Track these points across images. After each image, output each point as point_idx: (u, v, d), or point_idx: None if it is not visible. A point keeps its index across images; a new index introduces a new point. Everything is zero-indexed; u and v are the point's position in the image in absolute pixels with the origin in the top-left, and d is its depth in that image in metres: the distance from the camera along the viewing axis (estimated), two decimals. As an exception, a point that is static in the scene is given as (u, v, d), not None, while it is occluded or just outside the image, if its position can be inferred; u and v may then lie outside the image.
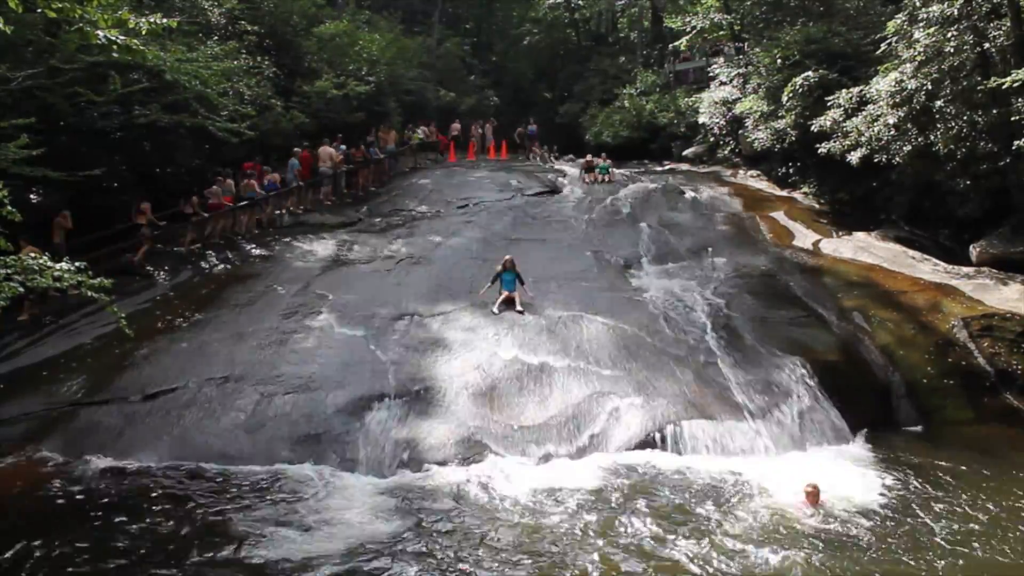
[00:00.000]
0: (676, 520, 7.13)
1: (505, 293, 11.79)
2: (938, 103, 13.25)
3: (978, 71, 12.95)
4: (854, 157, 14.86)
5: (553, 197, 19.51)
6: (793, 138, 18.03)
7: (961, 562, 6.43)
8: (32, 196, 13.14)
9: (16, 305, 10.09)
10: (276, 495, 7.74)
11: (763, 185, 20.61)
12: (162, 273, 13.96)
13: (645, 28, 35.06)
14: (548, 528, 6.99)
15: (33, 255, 7.85)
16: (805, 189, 18.96)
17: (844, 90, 15.63)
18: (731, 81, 22.81)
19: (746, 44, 23.27)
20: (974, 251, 13.70)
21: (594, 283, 13.10)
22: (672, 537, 6.76)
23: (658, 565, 6.32)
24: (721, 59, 25.96)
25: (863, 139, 14.62)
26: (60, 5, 6.33)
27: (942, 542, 6.75)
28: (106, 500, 7.52)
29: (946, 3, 12.81)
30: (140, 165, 14.83)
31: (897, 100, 13.81)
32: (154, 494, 7.68)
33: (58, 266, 7.31)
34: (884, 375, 10.61)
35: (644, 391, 9.68)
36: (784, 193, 19.44)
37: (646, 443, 8.90)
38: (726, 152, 23.85)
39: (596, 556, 6.47)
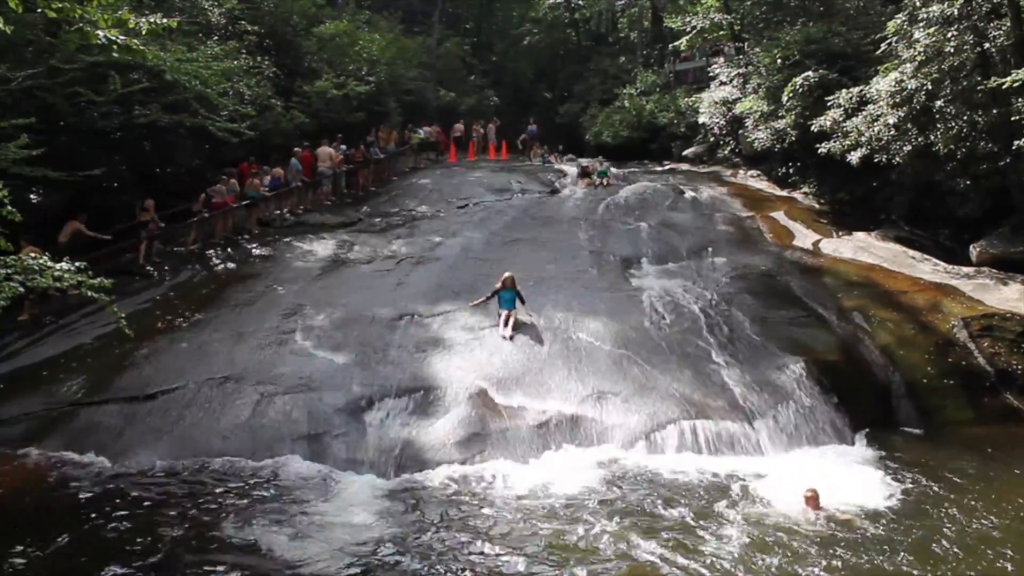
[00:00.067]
0: (676, 522, 7.10)
1: (504, 312, 11.09)
2: (938, 103, 13.25)
3: (978, 71, 12.95)
4: (854, 157, 14.86)
5: (553, 197, 19.53)
6: (793, 138, 18.03)
7: (967, 568, 6.33)
8: (32, 196, 13.14)
9: (16, 305, 10.09)
10: (275, 495, 7.73)
11: (763, 185, 20.62)
12: (162, 273, 13.96)
13: (645, 28, 35.07)
14: (547, 530, 6.97)
15: (33, 255, 7.85)
16: (805, 189, 18.97)
17: (844, 90, 15.63)
18: (731, 81, 22.80)
19: (746, 44, 23.27)
20: (974, 251, 13.71)
21: (594, 283, 13.10)
22: (672, 540, 6.72)
23: (658, 570, 6.29)
24: (721, 59, 25.95)
25: (863, 139, 14.62)
26: (60, 5, 6.33)
27: (948, 547, 6.67)
28: (105, 500, 7.51)
29: (946, 3, 12.81)
30: (140, 165, 14.83)
31: (897, 100, 13.82)
32: (154, 494, 7.67)
33: (58, 266, 7.31)
34: (884, 375, 10.60)
35: (644, 391, 9.67)
36: (784, 193, 19.45)
37: (646, 443, 8.89)
38: (726, 152, 23.86)
39: (596, 558, 6.46)
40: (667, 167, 24.74)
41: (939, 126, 13.28)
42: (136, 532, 6.86)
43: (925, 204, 15.50)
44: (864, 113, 14.69)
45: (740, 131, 21.87)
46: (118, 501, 7.49)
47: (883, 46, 15.00)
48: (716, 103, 23.08)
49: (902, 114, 13.79)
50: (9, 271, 7.05)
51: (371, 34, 26.23)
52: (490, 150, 28.06)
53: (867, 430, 9.58)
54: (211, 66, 15.62)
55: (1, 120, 11.18)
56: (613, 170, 22.06)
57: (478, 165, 24.34)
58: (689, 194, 18.95)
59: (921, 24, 13.36)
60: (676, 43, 28.13)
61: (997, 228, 13.67)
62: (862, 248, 14.60)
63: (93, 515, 7.18)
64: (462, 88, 33.12)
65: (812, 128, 16.16)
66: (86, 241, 12.90)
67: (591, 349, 10.61)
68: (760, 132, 19.36)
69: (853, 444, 9.30)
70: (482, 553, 6.55)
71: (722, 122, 23.25)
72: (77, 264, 7.61)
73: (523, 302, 11.37)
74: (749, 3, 23.01)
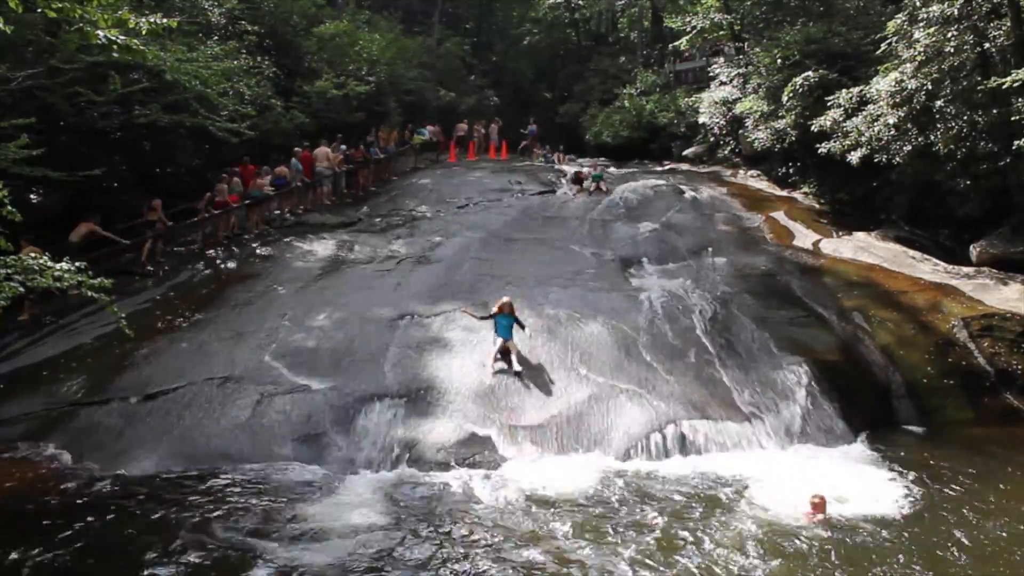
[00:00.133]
0: (677, 525, 7.04)
1: (500, 341, 10.24)
2: (938, 103, 13.26)
3: (978, 71, 12.95)
4: (854, 157, 14.86)
5: (554, 197, 19.51)
6: (793, 138, 18.03)
7: (976, 574, 6.26)
8: (32, 196, 13.15)
9: (16, 305, 10.07)
10: (275, 495, 7.72)
11: (763, 185, 20.62)
12: (162, 273, 13.96)
13: (645, 28, 35.08)
14: (547, 531, 6.96)
15: (33, 255, 7.84)
16: (805, 189, 18.97)
17: (844, 90, 15.63)
18: (731, 81, 22.81)
19: (746, 44, 23.27)
20: (974, 251, 13.71)
21: (594, 283, 13.09)
22: (673, 544, 6.67)
23: (661, 574, 6.27)
24: (721, 59, 25.96)
25: (863, 139, 14.62)
26: (60, 5, 6.32)
27: (955, 552, 6.59)
28: (105, 501, 7.50)
29: (946, 3, 12.81)
30: (140, 165, 14.84)
31: (897, 100, 13.82)
32: (154, 495, 7.66)
33: (58, 266, 7.31)
34: (884, 375, 10.60)
35: (644, 391, 9.67)
36: (784, 193, 19.45)
37: (646, 444, 8.87)
38: (726, 152, 23.86)
39: (595, 560, 6.44)
40: (667, 167, 24.73)
41: (939, 126, 13.28)
42: (135, 533, 6.86)
43: (925, 204, 15.50)
44: (864, 113, 14.69)
45: (740, 131, 21.87)
46: (117, 502, 7.48)
47: (883, 46, 15.01)
48: (716, 103, 23.08)
49: (902, 114, 13.79)
50: (9, 271, 7.04)
51: (371, 34, 26.24)
52: (491, 150, 28.05)
53: (868, 430, 9.57)
54: (211, 66, 15.63)
55: (1, 120, 11.18)
56: (612, 169, 22.01)
57: (478, 165, 24.34)
58: (689, 194, 18.94)
59: (921, 24, 13.36)
60: (676, 43, 28.13)
61: (997, 228, 13.67)
62: (862, 248, 14.61)
63: (92, 516, 7.17)
64: (462, 88, 33.12)
65: (812, 128, 16.17)
66: (99, 241, 13.01)
67: (591, 349, 10.60)
68: (760, 132, 19.36)
69: (854, 444, 9.28)
70: (481, 554, 6.54)
71: (722, 122, 23.25)
72: (77, 264, 7.61)
73: (522, 328, 10.46)
74: (749, 3, 23.02)
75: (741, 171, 22.31)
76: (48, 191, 13.29)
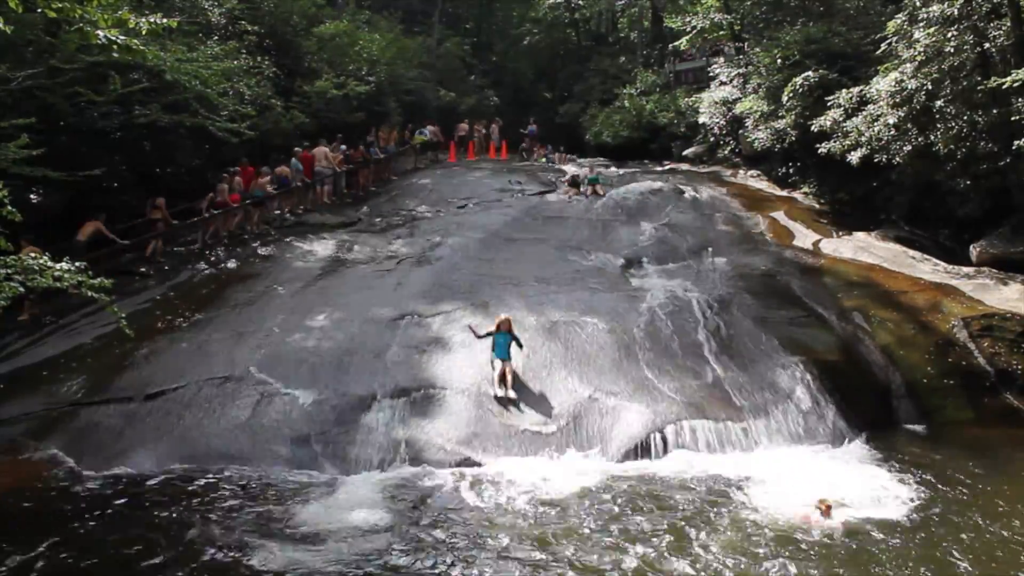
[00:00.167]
0: (679, 527, 7.03)
1: (499, 364, 9.78)
2: (938, 103, 13.25)
3: (978, 71, 12.95)
4: (854, 157, 14.86)
5: (553, 197, 19.48)
6: (793, 138, 18.03)
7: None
8: (32, 196, 13.15)
9: (16, 305, 10.08)
10: (275, 495, 7.73)
11: (763, 185, 20.61)
12: (163, 273, 13.96)
13: (645, 28, 35.08)
14: (546, 532, 6.96)
15: (33, 255, 7.84)
16: (805, 189, 18.96)
17: (844, 90, 15.63)
18: (731, 81, 22.80)
19: (746, 44, 23.26)
20: (974, 251, 13.70)
21: (594, 283, 13.09)
22: (674, 546, 6.66)
23: None
24: (721, 59, 25.96)
25: (863, 139, 14.62)
26: (60, 5, 6.32)
27: (958, 553, 6.56)
28: (104, 501, 7.51)
29: (946, 3, 12.81)
30: (140, 165, 14.83)
31: (897, 100, 13.82)
32: (153, 495, 7.68)
33: (58, 266, 7.31)
34: (884, 375, 10.59)
35: (644, 391, 9.67)
36: (784, 193, 19.44)
37: (646, 444, 8.88)
38: (726, 152, 23.85)
39: (594, 561, 6.45)
40: (667, 167, 24.71)
41: (939, 126, 13.28)
42: (134, 534, 6.86)
43: (925, 204, 15.50)
44: (864, 113, 14.69)
45: (740, 131, 21.86)
46: (117, 502, 7.49)
47: (883, 46, 15.01)
48: (716, 103, 23.08)
49: (902, 114, 13.79)
50: (9, 271, 7.04)
51: (371, 34, 26.23)
52: (491, 150, 28.05)
53: (868, 430, 9.56)
54: (211, 66, 15.62)
55: (1, 120, 11.17)
56: (612, 169, 21.96)
57: (478, 165, 24.33)
58: (689, 194, 18.93)
59: (921, 24, 13.36)
60: (676, 43, 28.12)
61: (997, 228, 13.66)
62: (862, 248, 14.61)
63: (92, 516, 7.18)
64: (462, 88, 33.12)
65: (812, 128, 16.16)
66: (103, 240, 13.10)
67: (591, 349, 10.60)
68: (760, 132, 19.36)
69: (854, 444, 9.28)
70: (481, 555, 6.54)
71: (722, 122, 23.24)
72: (77, 264, 7.61)
73: (520, 346, 10.10)
74: (749, 3, 23.01)
75: (741, 171, 22.30)
76: (48, 191, 13.28)
